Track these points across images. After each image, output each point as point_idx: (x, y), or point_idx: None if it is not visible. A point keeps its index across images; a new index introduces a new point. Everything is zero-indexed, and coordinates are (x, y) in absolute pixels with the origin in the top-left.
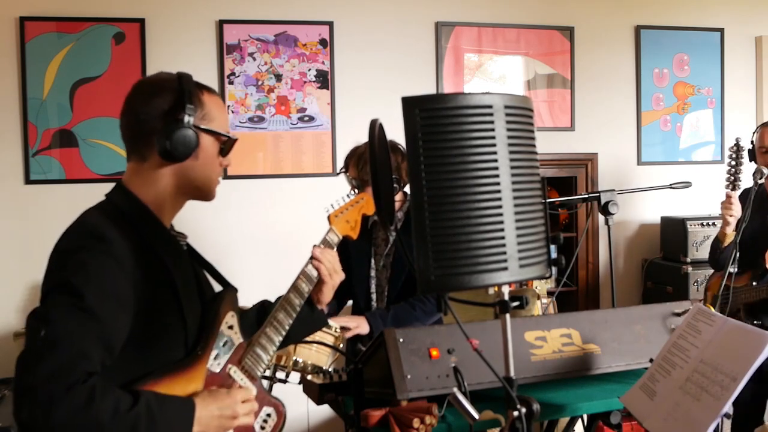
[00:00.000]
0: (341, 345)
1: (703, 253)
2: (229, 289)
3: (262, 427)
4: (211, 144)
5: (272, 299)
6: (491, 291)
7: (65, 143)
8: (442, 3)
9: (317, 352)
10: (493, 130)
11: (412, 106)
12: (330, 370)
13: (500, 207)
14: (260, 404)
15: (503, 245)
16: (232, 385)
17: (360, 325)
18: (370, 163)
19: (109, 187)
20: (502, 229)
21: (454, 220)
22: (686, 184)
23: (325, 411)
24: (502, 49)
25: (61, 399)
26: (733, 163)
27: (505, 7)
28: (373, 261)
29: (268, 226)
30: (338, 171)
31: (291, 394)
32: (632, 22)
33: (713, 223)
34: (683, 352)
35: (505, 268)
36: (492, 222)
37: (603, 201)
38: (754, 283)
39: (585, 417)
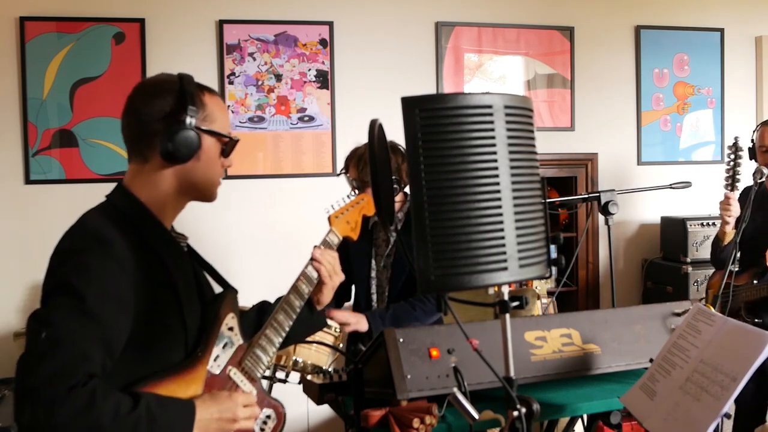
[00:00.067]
0: (341, 345)
1: (703, 253)
2: (229, 291)
3: (262, 429)
4: (213, 145)
5: (272, 299)
6: (491, 291)
7: (65, 143)
8: (442, 3)
9: (317, 352)
10: (493, 130)
11: (411, 106)
12: (330, 370)
13: (500, 207)
14: (260, 406)
15: (503, 245)
16: (232, 386)
17: (359, 322)
18: (370, 164)
19: (109, 187)
20: (501, 229)
21: (454, 220)
22: (686, 184)
23: (325, 411)
24: (502, 49)
25: (63, 400)
26: (732, 163)
27: (505, 7)
28: (373, 261)
29: (268, 226)
30: (339, 172)
31: (291, 394)
32: (632, 22)
33: (713, 223)
34: (683, 352)
35: (505, 268)
36: (492, 222)
37: (603, 201)
38: (754, 282)
39: (585, 417)
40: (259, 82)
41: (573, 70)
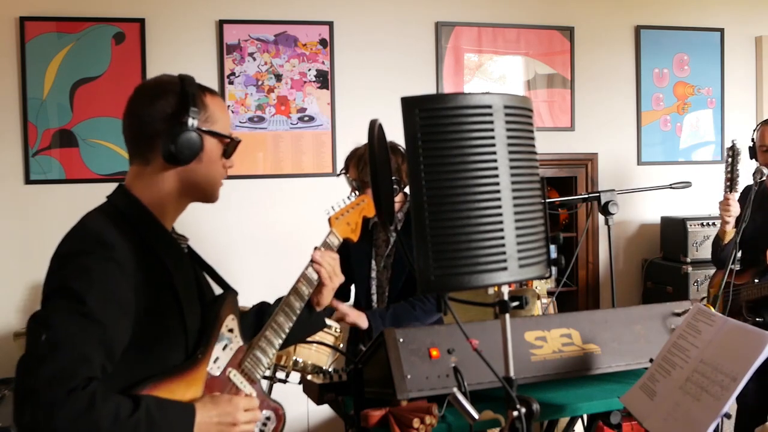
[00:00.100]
0: (341, 345)
1: (703, 253)
2: (230, 292)
3: (262, 431)
4: (215, 146)
5: (272, 299)
6: (491, 291)
7: (65, 143)
8: (442, 3)
9: (317, 352)
10: (492, 130)
11: (411, 106)
12: (330, 370)
13: (500, 207)
14: (259, 407)
15: (503, 245)
16: (232, 388)
17: (359, 317)
18: (370, 164)
19: (109, 187)
20: (501, 229)
21: (454, 220)
22: (686, 184)
23: (325, 411)
24: (502, 49)
25: (63, 403)
26: (730, 165)
27: (505, 7)
28: (373, 262)
29: (268, 226)
30: (338, 172)
31: (291, 394)
32: (632, 22)
33: (713, 223)
34: (683, 352)
35: (505, 268)
36: (492, 222)
37: (603, 201)
38: (756, 281)
39: (585, 417)
40: (259, 82)
41: (573, 70)
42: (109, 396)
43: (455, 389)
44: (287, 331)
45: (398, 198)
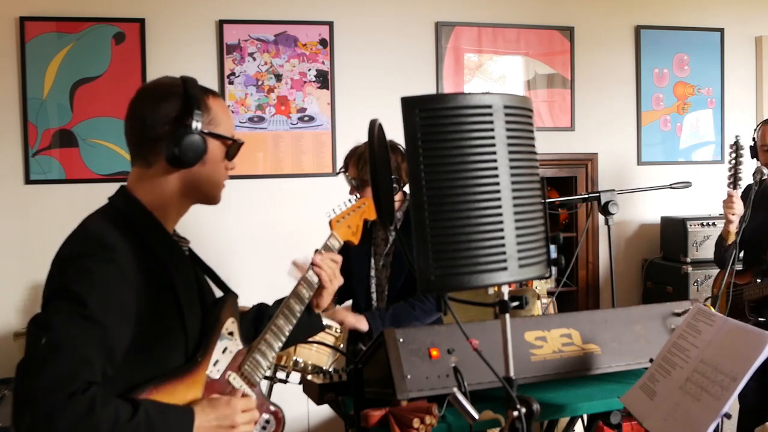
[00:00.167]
0: (341, 345)
1: (703, 253)
2: (230, 295)
3: None
4: (218, 148)
5: (272, 299)
6: (491, 291)
7: (65, 143)
8: (442, 3)
9: (317, 353)
10: (492, 130)
11: (411, 106)
12: (330, 370)
13: (500, 207)
14: (259, 411)
15: (503, 245)
16: (232, 391)
17: (359, 321)
18: (370, 163)
19: (109, 187)
20: (501, 229)
21: (454, 220)
22: (686, 184)
23: (325, 411)
24: (502, 49)
25: (63, 407)
26: (734, 161)
27: (505, 7)
28: (372, 261)
29: (268, 227)
30: (338, 171)
31: (291, 394)
32: (632, 22)
33: (713, 223)
34: (683, 352)
35: (505, 268)
36: (492, 222)
37: (603, 201)
38: (758, 281)
39: (585, 417)
40: (259, 82)
41: (573, 70)
42: (109, 400)
43: (455, 389)
44: (287, 334)
45: (397, 197)
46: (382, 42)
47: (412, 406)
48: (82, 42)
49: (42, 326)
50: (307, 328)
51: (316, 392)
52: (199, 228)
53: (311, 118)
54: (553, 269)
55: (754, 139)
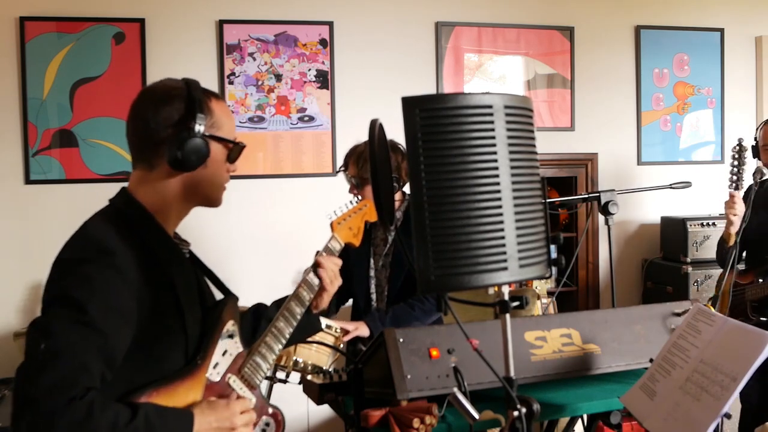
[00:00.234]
0: (341, 345)
1: (703, 253)
2: (230, 298)
3: None
4: (220, 151)
5: (272, 299)
6: (491, 291)
7: (65, 143)
8: (442, 3)
9: (317, 353)
10: (493, 130)
11: (412, 106)
12: (330, 370)
13: (500, 207)
14: (259, 414)
15: (503, 245)
16: (231, 394)
17: (359, 328)
18: (370, 163)
19: (109, 187)
20: (502, 229)
21: (454, 220)
22: (686, 184)
23: (325, 411)
24: (502, 49)
25: (63, 412)
26: (736, 163)
27: (505, 7)
28: (372, 261)
29: (268, 227)
30: (338, 169)
31: (291, 394)
32: (632, 22)
33: (713, 223)
34: (683, 352)
35: (505, 268)
36: (492, 222)
37: (603, 201)
38: (760, 280)
39: (585, 417)
40: (259, 82)
41: (573, 70)
42: (107, 405)
43: (455, 389)
44: (287, 336)
45: (397, 196)
46: (382, 42)
47: (412, 406)
48: (82, 42)
49: (42, 332)
50: (306, 328)
51: (316, 392)
52: (200, 228)
53: (311, 118)
54: (553, 269)
55: (755, 138)
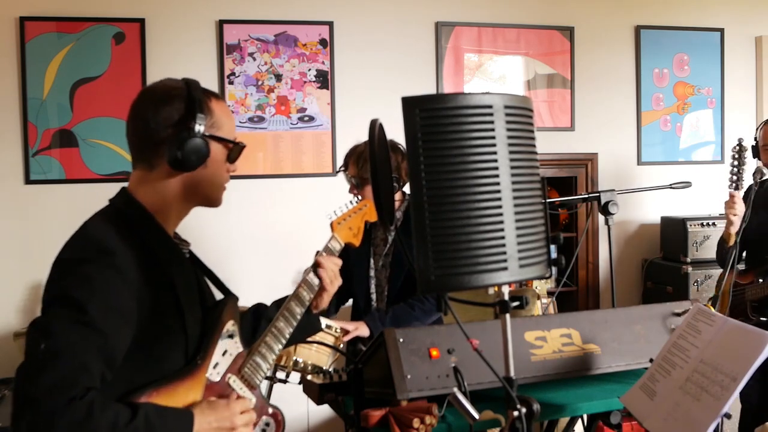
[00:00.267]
0: (342, 345)
1: (703, 253)
2: (230, 298)
3: None
4: (220, 151)
5: (272, 299)
6: (491, 291)
7: (65, 143)
8: (442, 3)
9: (317, 353)
10: (493, 130)
11: (412, 106)
12: (330, 370)
13: (500, 207)
14: (259, 414)
15: (503, 245)
16: (231, 394)
17: (359, 328)
18: (370, 163)
19: (109, 187)
20: (502, 229)
21: (454, 220)
22: (686, 184)
23: (325, 411)
24: (502, 49)
25: (63, 412)
26: (736, 163)
27: (505, 7)
28: (372, 261)
29: (268, 227)
30: (338, 169)
31: (291, 394)
32: (632, 22)
33: (713, 223)
34: (683, 352)
35: (505, 268)
36: (492, 222)
37: (603, 201)
38: (760, 280)
39: (585, 417)
40: (259, 82)
41: (573, 70)
42: (107, 405)
43: (455, 389)
44: (287, 336)
45: (397, 196)
46: (382, 42)
47: (412, 406)
48: (82, 42)
49: (42, 332)
50: (305, 328)
51: (316, 392)
52: (199, 228)
53: (311, 118)
54: (553, 269)
55: (756, 138)
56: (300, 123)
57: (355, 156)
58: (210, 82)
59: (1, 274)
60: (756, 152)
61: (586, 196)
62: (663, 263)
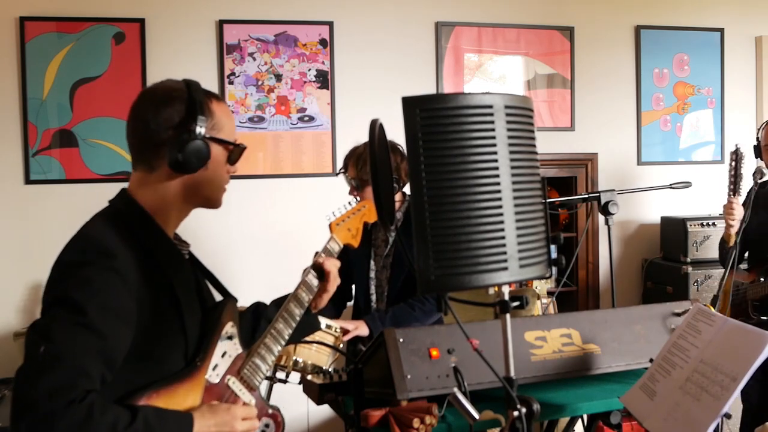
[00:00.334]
0: (341, 345)
1: (703, 253)
2: (230, 299)
3: None
4: (220, 153)
5: (272, 299)
6: (491, 291)
7: (65, 143)
8: (442, 3)
9: (317, 352)
10: (493, 130)
11: (412, 106)
12: (330, 370)
13: (500, 207)
14: (258, 415)
15: (503, 245)
16: (231, 396)
17: (359, 327)
18: (370, 163)
19: (109, 187)
20: (502, 229)
21: (454, 220)
22: (686, 184)
23: (325, 411)
24: (502, 49)
25: (62, 415)
26: (734, 169)
27: (505, 7)
28: (372, 262)
29: (268, 226)
30: (337, 171)
31: (291, 394)
32: (632, 22)
33: (713, 223)
34: (683, 352)
35: (505, 268)
36: (492, 222)
37: (603, 201)
38: (761, 279)
39: (585, 417)
40: (259, 82)
41: (573, 70)
42: (107, 408)
43: (455, 389)
44: (286, 338)
45: (397, 197)
46: (382, 42)
47: (412, 406)
48: (82, 42)
49: (41, 334)
50: (305, 327)
51: (316, 392)
52: (199, 228)
53: (311, 118)
54: (553, 269)
55: (757, 138)
56: (300, 123)
57: (354, 158)
58: (210, 82)
59: (1, 274)
60: (758, 152)
61: (586, 196)
62: (663, 263)
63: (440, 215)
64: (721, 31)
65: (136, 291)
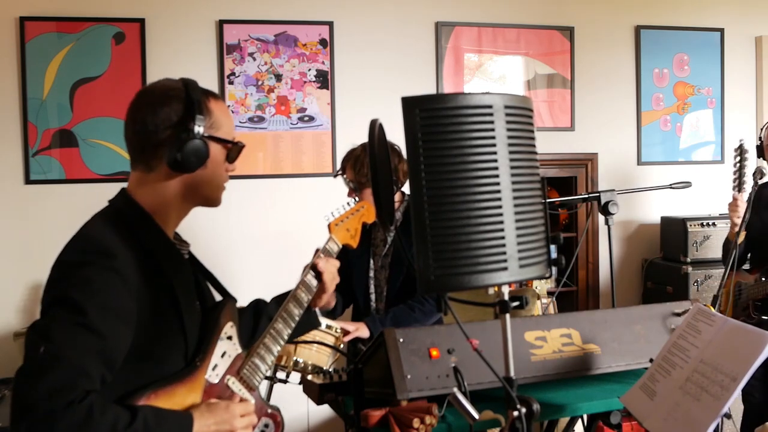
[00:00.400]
0: (342, 345)
1: (703, 253)
2: (229, 300)
3: None
4: (219, 152)
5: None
6: (491, 291)
7: (65, 143)
8: (442, 3)
9: (318, 353)
10: (493, 130)
11: (412, 106)
12: (330, 370)
13: (500, 207)
14: (258, 415)
15: (503, 245)
16: (231, 396)
17: (360, 329)
18: (370, 163)
19: (109, 187)
20: (502, 229)
21: (454, 220)
22: (686, 184)
23: (325, 411)
24: (502, 49)
25: (62, 416)
26: (738, 165)
27: (505, 7)
28: (371, 261)
29: (268, 227)
30: (335, 173)
31: (291, 394)
32: (632, 22)
33: (713, 223)
34: (683, 352)
35: (505, 268)
36: (492, 222)
37: (603, 201)
38: (762, 279)
39: (585, 417)
40: (259, 82)
41: (573, 70)
42: (107, 408)
43: (455, 389)
44: (285, 338)
45: (396, 197)
46: (382, 42)
47: (412, 406)
48: (82, 42)
49: (41, 334)
50: (304, 325)
51: (316, 392)
52: (199, 228)
53: (311, 118)
54: (553, 269)
55: (760, 138)
56: (300, 123)
57: (351, 160)
58: (210, 82)
59: (1, 274)
60: (760, 152)
61: (586, 196)
62: (663, 263)
63: (440, 215)
64: (721, 31)
65: (135, 291)
